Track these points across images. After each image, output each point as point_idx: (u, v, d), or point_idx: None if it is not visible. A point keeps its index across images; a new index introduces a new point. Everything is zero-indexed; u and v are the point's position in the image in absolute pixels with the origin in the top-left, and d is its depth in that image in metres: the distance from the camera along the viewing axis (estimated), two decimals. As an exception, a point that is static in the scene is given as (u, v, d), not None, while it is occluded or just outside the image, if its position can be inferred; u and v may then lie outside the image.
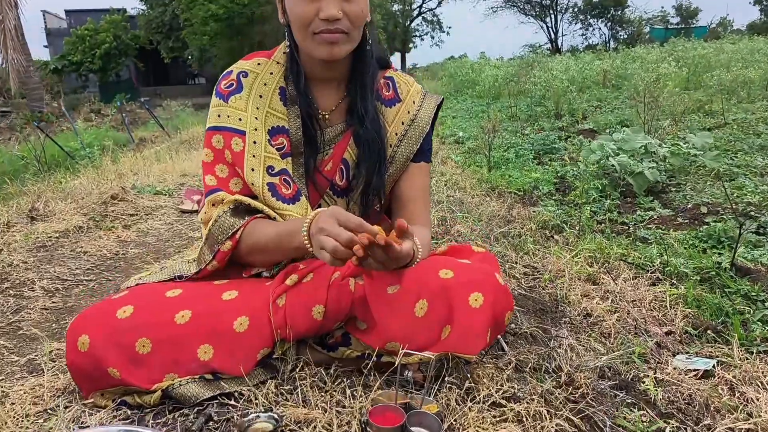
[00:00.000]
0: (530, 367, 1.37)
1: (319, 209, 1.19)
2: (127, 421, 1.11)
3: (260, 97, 1.41)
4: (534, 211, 3.38)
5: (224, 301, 1.29)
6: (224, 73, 1.46)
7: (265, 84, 1.42)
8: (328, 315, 1.30)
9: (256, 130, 1.37)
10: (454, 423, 1.10)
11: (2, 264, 2.31)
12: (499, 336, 1.50)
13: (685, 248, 2.62)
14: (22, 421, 1.19)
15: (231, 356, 1.24)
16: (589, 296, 2.18)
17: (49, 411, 1.23)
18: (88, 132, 8.91)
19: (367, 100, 1.44)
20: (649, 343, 1.78)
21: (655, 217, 3.17)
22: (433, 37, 39.63)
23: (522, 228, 3.05)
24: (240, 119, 1.39)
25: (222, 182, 1.38)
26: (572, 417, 1.15)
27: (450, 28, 42.84)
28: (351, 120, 1.45)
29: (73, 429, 1.09)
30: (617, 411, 1.33)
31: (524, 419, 1.11)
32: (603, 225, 3.06)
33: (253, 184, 1.35)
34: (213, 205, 1.37)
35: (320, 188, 1.48)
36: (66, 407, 1.20)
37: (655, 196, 3.56)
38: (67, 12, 32.19)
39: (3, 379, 1.44)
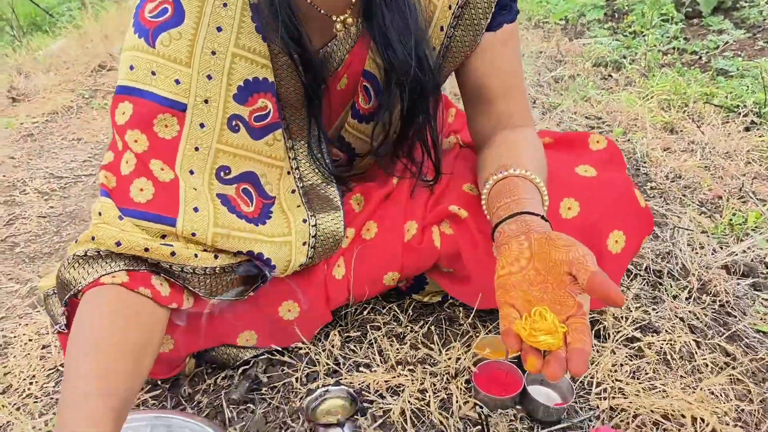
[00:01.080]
0: (652, 280, 1.08)
1: None
2: (158, 399, 0.87)
3: (218, 30, 0.78)
4: (585, 46, 2.91)
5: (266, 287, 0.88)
6: None
7: (225, 4, 0.78)
8: (403, 278, 0.97)
9: (206, 102, 0.78)
10: (588, 378, 0.84)
11: (-14, 161, 2.00)
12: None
13: (778, 81, 2.21)
14: (30, 385, 0.96)
15: (280, 338, 0.94)
16: (671, 150, 1.85)
17: (60, 368, 1.00)
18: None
19: None
20: (760, 208, 1.48)
21: (730, 42, 2.70)
22: None
23: (575, 67, 2.62)
24: (177, 81, 0.77)
25: (121, 185, 0.75)
26: (724, 344, 0.88)
27: None
28: (370, 24, 0.84)
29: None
30: (758, 314, 1.06)
31: (669, 357, 0.84)
32: (670, 56, 2.62)
33: (195, 209, 0.76)
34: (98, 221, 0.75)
35: (333, 121, 0.95)
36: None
37: (725, 14, 3.04)
38: None
39: (3, 318, 1.20)
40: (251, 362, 0.92)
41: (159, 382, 0.91)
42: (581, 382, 0.84)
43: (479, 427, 0.77)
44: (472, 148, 1.07)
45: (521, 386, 0.79)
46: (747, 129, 1.92)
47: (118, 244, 0.71)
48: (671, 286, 1.07)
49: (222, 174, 0.81)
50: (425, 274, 1.00)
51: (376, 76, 0.88)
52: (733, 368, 0.85)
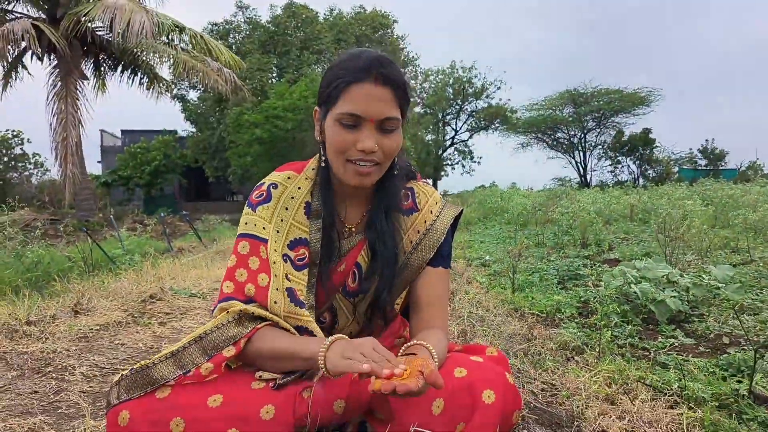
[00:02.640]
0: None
1: (336, 336, 1.31)
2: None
3: (286, 209, 1.49)
4: (555, 332, 3.43)
5: (253, 389, 1.40)
6: (258, 184, 1.55)
7: (293, 197, 1.50)
8: (348, 409, 1.39)
9: (275, 242, 1.45)
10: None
11: (47, 350, 2.47)
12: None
13: (704, 375, 2.63)
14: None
15: None
16: (606, 414, 2.20)
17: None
18: (129, 240, 9.37)
19: (389, 218, 1.51)
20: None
21: (676, 344, 3.19)
22: (464, 166, 41.05)
23: (542, 347, 3.10)
24: (264, 228, 1.46)
25: (238, 288, 1.42)
26: None
27: (481, 158, 44.16)
28: (370, 233, 1.52)
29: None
30: None
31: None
32: (624, 349, 3.09)
33: (277, 289, 1.41)
34: (222, 311, 1.44)
35: (332, 289, 1.54)
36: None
37: (677, 325, 3.58)
38: (123, 132, 34.81)
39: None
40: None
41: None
42: None
43: None
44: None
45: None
46: (671, 407, 2.29)
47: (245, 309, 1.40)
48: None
49: (287, 277, 1.44)
50: (366, 421, 1.38)
51: (362, 267, 1.53)
52: None
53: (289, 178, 1.53)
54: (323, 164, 1.49)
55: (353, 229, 1.55)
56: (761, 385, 2.40)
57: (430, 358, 1.25)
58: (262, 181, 1.54)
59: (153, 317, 3.26)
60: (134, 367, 1.34)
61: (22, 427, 1.69)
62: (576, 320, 3.76)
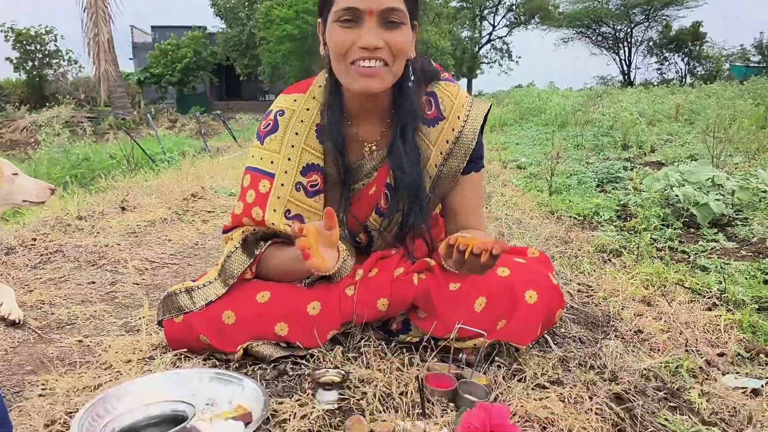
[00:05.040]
0: (576, 362, 1.46)
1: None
2: (216, 368, 1.29)
3: (296, 134, 1.43)
4: (593, 235, 3.42)
5: (298, 287, 1.45)
6: (266, 112, 1.49)
7: (302, 121, 1.44)
8: (392, 306, 1.43)
9: (286, 173, 1.41)
10: (500, 395, 1.21)
11: (99, 245, 2.58)
12: (547, 335, 1.59)
13: (745, 278, 2.61)
14: (126, 364, 1.38)
15: (304, 334, 1.39)
16: (643, 315, 2.22)
17: (147, 359, 1.42)
18: (167, 138, 9.50)
19: (407, 141, 1.40)
20: (698, 360, 1.82)
21: (717, 248, 3.16)
22: (501, 65, 39.47)
23: (579, 250, 3.10)
24: (272, 161, 1.42)
25: (236, 219, 1.47)
26: (612, 404, 1.23)
27: (519, 57, 42.26)
28: (392, 157, 1.43)
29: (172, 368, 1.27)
30: (659, 411, 1.40)
31: (566, 400, 1.20)
32: (662, 252, 3.07)
33: (273, 224, 1.39)
34: (231, 237, 1.49)
35: (363, 214, 1.51)
36: (163, 354, 1.39)
37: (719, 229, 3.52)
38: (153, 28, 34.21)
39: (106, 334, 1.65)
40: (280, 361, 1.33)
41: (217, 362, 1.33)
42: (497, 398, 1.21)
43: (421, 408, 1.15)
44: None
45: (454, 387, 1.17)
46: (708, 309, 2.30)
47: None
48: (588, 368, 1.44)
49: (287, 213, 1.42)
50: (410, 319, 1.44)
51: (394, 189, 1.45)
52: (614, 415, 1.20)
53: (295, 100, 1.45)
54: (331, 81, 1.39)
55: (374, 147, 1.47)
56: (804, 290, 2.37)
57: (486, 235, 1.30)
58: (269, 109, 1.48)
59: (196, 215, 3.35)
60: (172, 290, 1.45)
61: (84, 314, 1.80)
62: (614, 223, 3.72)
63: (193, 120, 14.29)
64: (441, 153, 1.45)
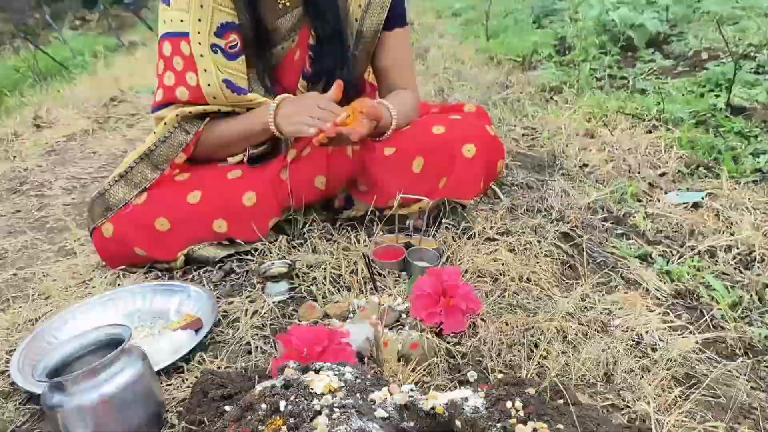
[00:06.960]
0: (524, 209, 1.46)
1: (283, 95, 1.28)
2: (158, 281, 1.24)
3: None
4: (533, 75, 3.35)
5: (230, 180, 1.35)
6: None
7: None
8: (329, 183, 1.37)
9: (199, 33, 1.30)
10: (451, 256, 1.20)
11: (18, 169, 2.39)
12: (493, 186, 1.58)
13: (682, 95, 2.63)
14: (64, 291, 1.31)
15: (244, 227, 1.33)
16: (587, 149, 2.23)
17: (86, 282, 1.36)
18: (75, 39, 8.67)
19: None
20: (642, 185, 1.86)
21: (655, 68, 3.14)
22: None
23: (521, 93, 3.05)
24: (182, 20, 1.30)
25: (170, 94, 1.34)
26: (561, 243, 1.25)
27: None
28: (309, 11, 1.39)
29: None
30: (606, 240, 1.43)
31: (515, 249, 1.21)
32: (602, 81, 3.05)
33: (209, 84, 1.30)
34: (160, 120, 1.37)
35: (291, 81, 1.44)
36: (101, 276, 1.32)
37: (656, 48, 3.49)
38: None
39: (41, 263, 1.56)
40: (225, 261, 1.29)
41: (159, 273, 1.28)
42: (448, 259, 1.22)
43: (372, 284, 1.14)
44: None
45: (403, 256, 1.16)
46: (649, 132, 2.32)
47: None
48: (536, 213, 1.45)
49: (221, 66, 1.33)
50: (350, 194, 1.41)
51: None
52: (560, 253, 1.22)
53: None
54: None
55: (287, 4, 1.37)
56: (739, 97, 2.40)
57: (367, 99, 1.27)
58: None
59: (119, 120, 3.13)
60: (92, 196, 1.35)
61: (15, 246, 1.70)
62: (554, 59, 3.65)
63: (101, 15, 13.04)
64: (360, 6, 1.41)
